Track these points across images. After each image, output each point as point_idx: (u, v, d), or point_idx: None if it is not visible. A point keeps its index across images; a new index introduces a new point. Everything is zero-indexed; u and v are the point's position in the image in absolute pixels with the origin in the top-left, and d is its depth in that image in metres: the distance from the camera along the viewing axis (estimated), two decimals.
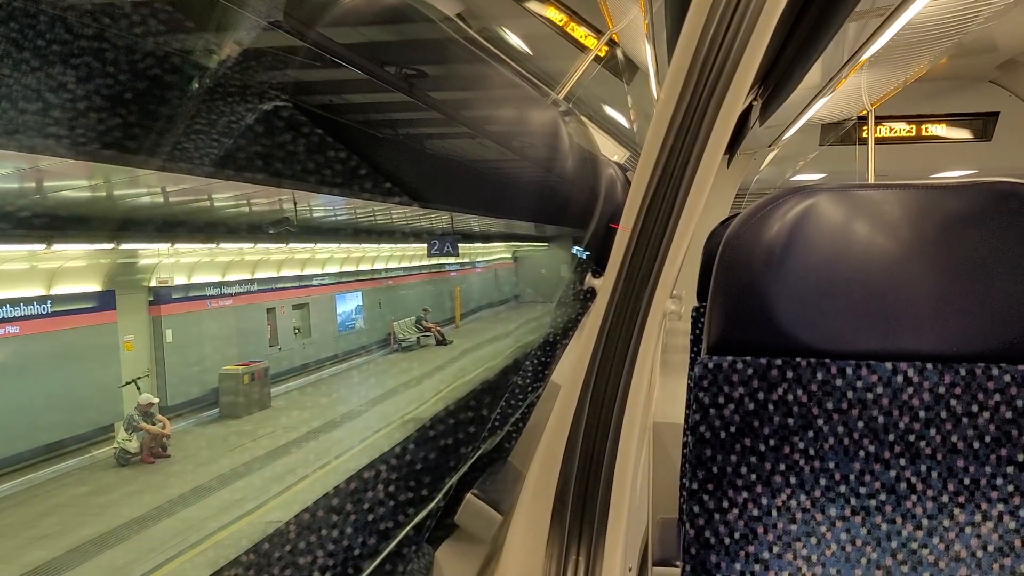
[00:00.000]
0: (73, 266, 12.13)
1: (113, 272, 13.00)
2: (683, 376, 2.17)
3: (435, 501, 1.54)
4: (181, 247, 13.60)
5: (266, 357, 16.31)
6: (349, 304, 20.97)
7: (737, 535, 1.10)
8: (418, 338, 21.66)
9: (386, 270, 22.70)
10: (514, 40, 6.43)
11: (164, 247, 13.09)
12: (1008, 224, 1.07)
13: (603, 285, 0.83)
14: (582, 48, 6.02)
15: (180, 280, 14.77)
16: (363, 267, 21.53)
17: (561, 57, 6.11)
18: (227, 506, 9.74)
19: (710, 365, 1.12)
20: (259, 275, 17.43)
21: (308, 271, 19.43)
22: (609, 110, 8.28)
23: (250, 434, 13.37)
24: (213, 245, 14.07)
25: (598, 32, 5.97)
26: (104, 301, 12.85)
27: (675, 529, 1.39)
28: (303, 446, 12.50)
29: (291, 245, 16.76)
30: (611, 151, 7.54)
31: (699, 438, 1.12)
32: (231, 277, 16.38)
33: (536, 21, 5.98)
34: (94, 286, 12.76)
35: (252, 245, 15.58)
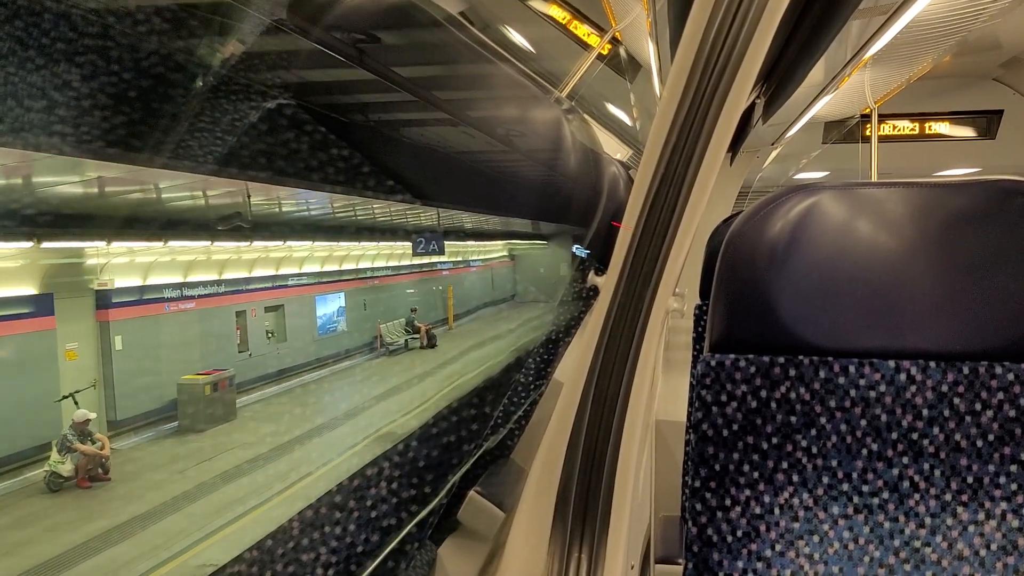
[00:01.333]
0: (2, 267, 10.87)
1: (52, 273, 11.65)
2: (686, 374, 2.17)
3: (438, 498, 1.55)
4: (135, 246, 12.53)
5: (234, 364, 15.09)
6: (330, 305, 19.84)
7: (740, 533, 1.10)
8: (406, 341, 20.61)
9: (372, 269, 21.62)
10: (517, 38, 6.42)
11: (116, 246, 11.97)
12: (1012, 222, 1.07)
13: (605, 283, 0.83)
14: (585, 46, 6.01)
15: (133, 282, 13.51)
16: (347, 266, 20.41)
17: (564, 55, 6.10)
18: (163, 542, 8.45)
19: (712, 363, 1.12)
20: (227, 276, 16.08)
21: (284, 271, 18.28)
22: (612, 108, 8.27)
23: (208, 451, 12.15)
24: (160, 243, 12.53)
25: (601, 30, 5.97)
26: (41, 306, 11.45)
27: (678, 527, 1.39)
28: (265, 465, 11.33)
29: (266, 244, 15.68)
30: (614, 149, 7.53)
31: (702, 436, 1.12)
32: (194, 278, 15.09)
33: (539, 19, 5.98)
34: (28, 289, 11.30)
35: (214, 243, 14.23)
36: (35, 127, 0.99)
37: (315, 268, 19.30)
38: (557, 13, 5.93)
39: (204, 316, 15.23)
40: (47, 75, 0.97)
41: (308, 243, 17.56)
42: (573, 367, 0.85)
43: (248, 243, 14.85)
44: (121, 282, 13.25)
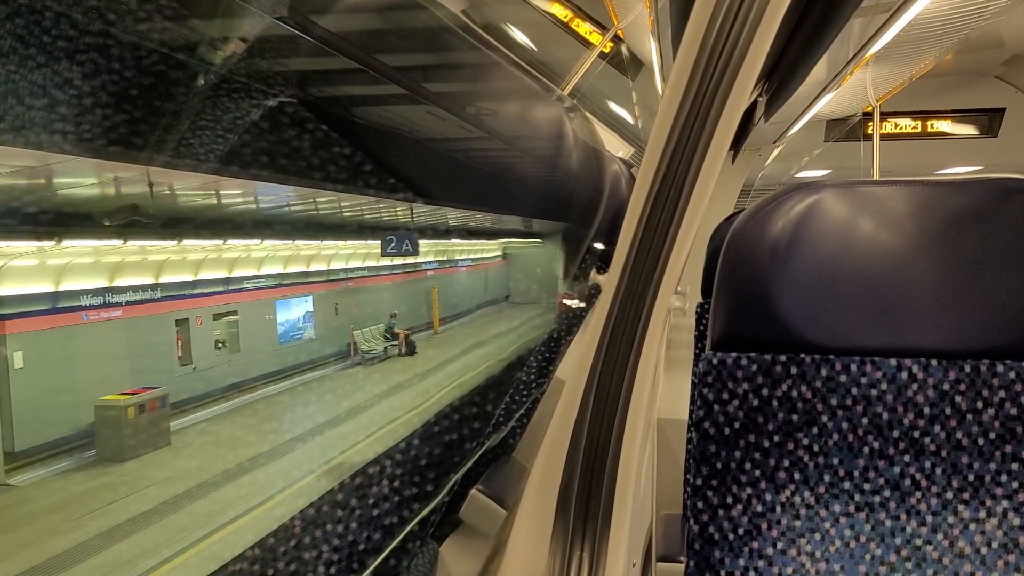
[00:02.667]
0: None
1: None
2: (687, 372, 2.17)
3: (440, 497, 1.55)
4: (24, 246, 10.27)
5: (173, 380, 13.10)
6: (295, 310, 17.79)
7: (741, 531, 1.10)
8: (386, 348, 18.73)
9: (347, 270, 19.47)
10: (519, 36, 6.42)
11: (15, 245, 9.93)
12: (1013, 220, 1.07)
13: (607, 281, 0.83)
14: (587, 44, 6.01)
15: (39, 288, 11.34)
16: (317, 267, 18.41)
17: (566, 53, 6.10)
18: None
19: (714, 361, 1.12)
20: (166, 279, 13.88)
21: (239, 272, 15.92)
22: (614, 106, 8.26)
23: (125, 486, 9.96)
24: (53, 242, 10.20)
25: (603, 28, 5.97)
26: None
27: (679, 525, 1.39)
28: (193, 502, 9.41)
29: (219, 242, 13.45)
30: (616, 147, 7.53)
31: (703, 434, 1.12)
32: (123, 282, 12.96)
33: (541, 17, 5.97)
34: None
35: (145, 244, 12.33)
36: (36, 125, 0.99)
37: (277, 269, 17.23)
38: (559, 11, 5.92)
39: (134, 326, 13.06)
40: (47, 72, 0.97)
41: (273, 241, 15.38)
42: (575, 365, 0.85)
43: (175, 243, 12.69)
44: (19, 288, 11.05)
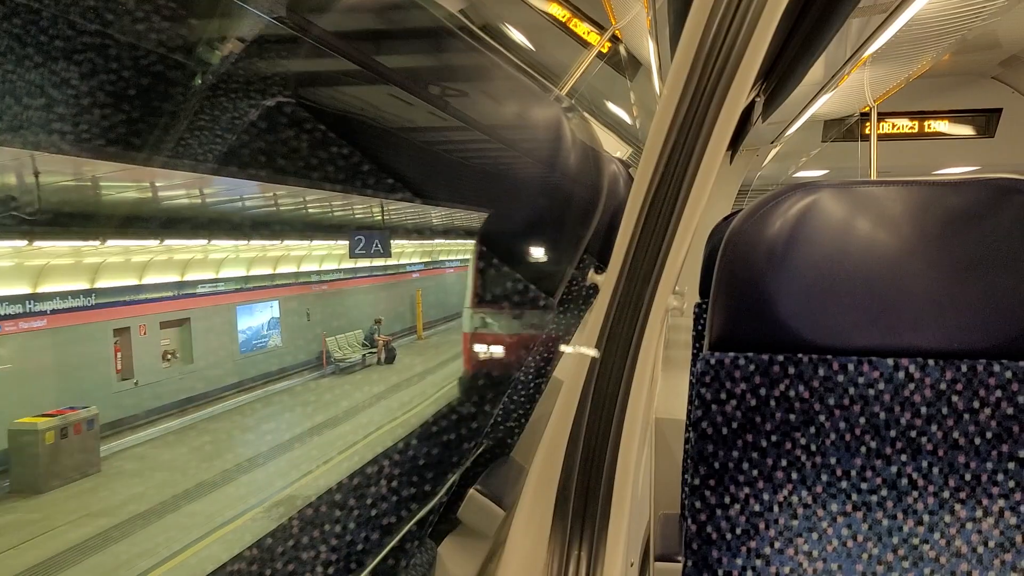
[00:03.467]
0: None
1: None
2: (685, 372, 2.18)
3: (438, 497, 1.55)
4: None
5: (109, 397, 11.68)
6: (258, 317, 16.24)
7: (739, 530, 1.10)
8: (364, 356, 17.45)
9: (320, 272, 17.96)
10: (517, 36, 6.42)
11: None
12: (1010, 220, 1.07)
13: (605, 281, 0.83)
14: (585, 44, 6.02)
15: None
16: (284, 269, 16.79)
17: (564, 54, 6.10)
18: None
19: (712, 361, 1.13)
20: (103, 284, 12.35)
21: (193, 276, 14.32)
22: (612, 106, 8.27)
23: (36, 524, 8.32)
24: None
25: (601, 28, 5.97)
26: None
27: (677, 524, 1.39)
28: (118, 542, 7.86)
29: (167, 243, 11.86)
30: (613, 147, 7.53)
31: (701, 434, 1.12)
32: (48, 288, 11.39)
33: (539, 17, 5.98)
34: None
35: (76, 244, 10.65)
36: (34, 124, 0.99)
37: (239, 272, 15.66)
38: (557, 11, 5.93)
39: (62, 337, 11.54)
40: (45, 72, 0.97)
41: (234, 242, 13.83)
42: (573, 365, 0.85)
43: (112, 244, 11.07)
44: None
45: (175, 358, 14.01)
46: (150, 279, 13.39)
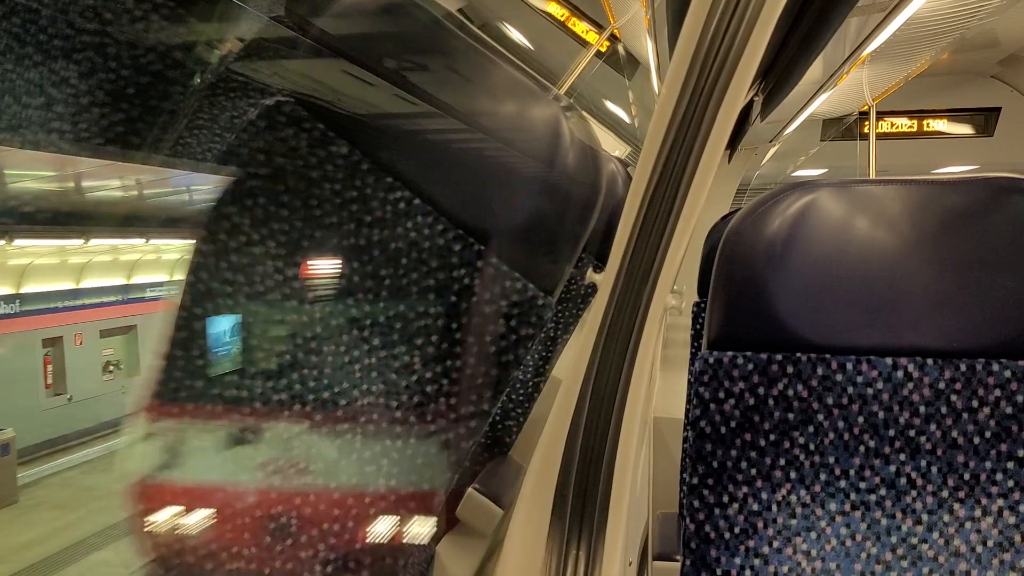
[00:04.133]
0: None
1: None
2: (684, 371, 2.18)
3: (436, 497, 1.55)
4: None
5: (37, 415, 10.30)
6: (219, 323, 14.52)
7: (737, 530, 1.10)
8: None
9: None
10: (515, 35, 6.42)
11: None
12: (1009, 219, 1.07)
13: (604, 280, 0.83)
14: (583, 43, 6.02)
15: None
16: None
17: (563, 52, 6.10)
18: None
19: (710, 360, 1.13)
20: (29, 288, 10.76)
21: (140, 278, 12.64)
22: (610, 105, 8.27)
23: None
24: None
25: (599, 27, 5.97)
26: None
27: (675, 523, 1.39)
28: None
29: (113, 242, 10.46)
30: (612, 146, 7.53)
31: (699, 433, 1.12)
32: None
33: (538, 16, 5.97)
34: None
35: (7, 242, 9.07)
36: (33, 124, 0.99)
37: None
38: (556, 10, 5.92)
39: None
40: (44, 71, 0.97)
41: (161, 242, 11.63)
42: (572, 364, 0.85)
43: (76, 243, 9.70)
44: None
45: (119, 369, 12.52)
46: (90, 283, 11.93)
